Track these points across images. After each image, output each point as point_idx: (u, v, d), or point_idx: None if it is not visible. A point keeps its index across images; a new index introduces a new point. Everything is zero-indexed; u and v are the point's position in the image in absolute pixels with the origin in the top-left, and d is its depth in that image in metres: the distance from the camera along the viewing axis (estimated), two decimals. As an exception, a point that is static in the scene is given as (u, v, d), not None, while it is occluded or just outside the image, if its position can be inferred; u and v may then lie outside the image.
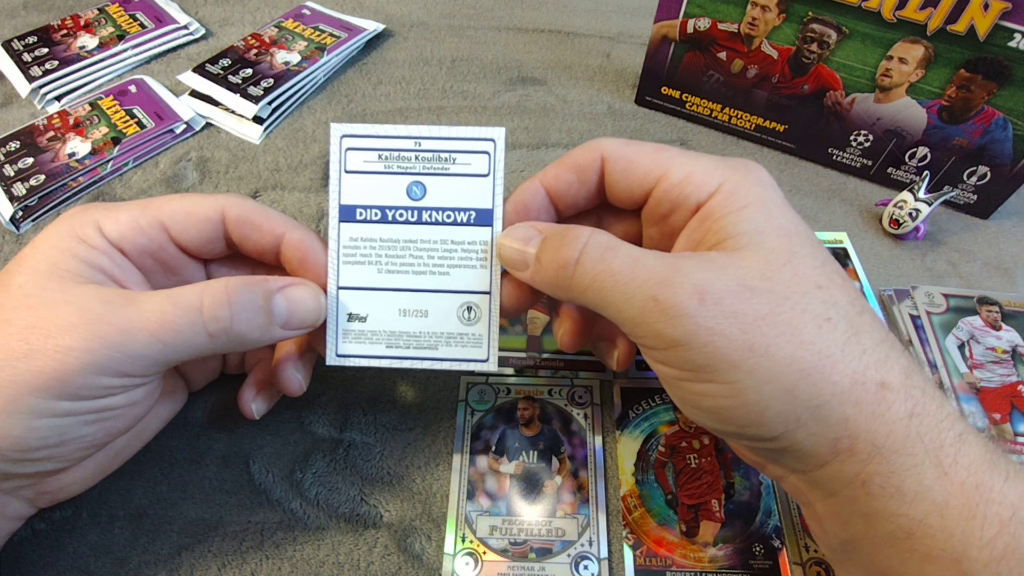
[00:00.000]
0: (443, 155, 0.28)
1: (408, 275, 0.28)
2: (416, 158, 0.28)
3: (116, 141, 0.46)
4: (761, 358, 0.21)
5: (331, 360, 0.29)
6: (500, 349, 0.37)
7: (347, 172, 0.28)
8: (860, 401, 0.21)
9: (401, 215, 0.28)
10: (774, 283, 0.21)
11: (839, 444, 0.21)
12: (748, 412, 0.21)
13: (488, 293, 0.28)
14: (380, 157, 0.28)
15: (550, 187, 0.27)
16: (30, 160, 0.45)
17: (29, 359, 0.22)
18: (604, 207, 0.29)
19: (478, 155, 0.28)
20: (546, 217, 0.28)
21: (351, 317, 0.28)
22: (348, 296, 0.28)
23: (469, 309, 0.28)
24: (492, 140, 0.28)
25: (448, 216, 0.28)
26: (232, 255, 0.30)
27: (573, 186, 0.27)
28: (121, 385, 0.24)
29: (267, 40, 0.55)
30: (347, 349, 0.29)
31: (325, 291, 0.28)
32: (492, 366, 0.29)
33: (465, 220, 0.28)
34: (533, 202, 0.27)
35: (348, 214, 0.28)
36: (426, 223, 0.28)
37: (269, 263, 0.29)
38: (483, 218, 0.28)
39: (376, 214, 0.28)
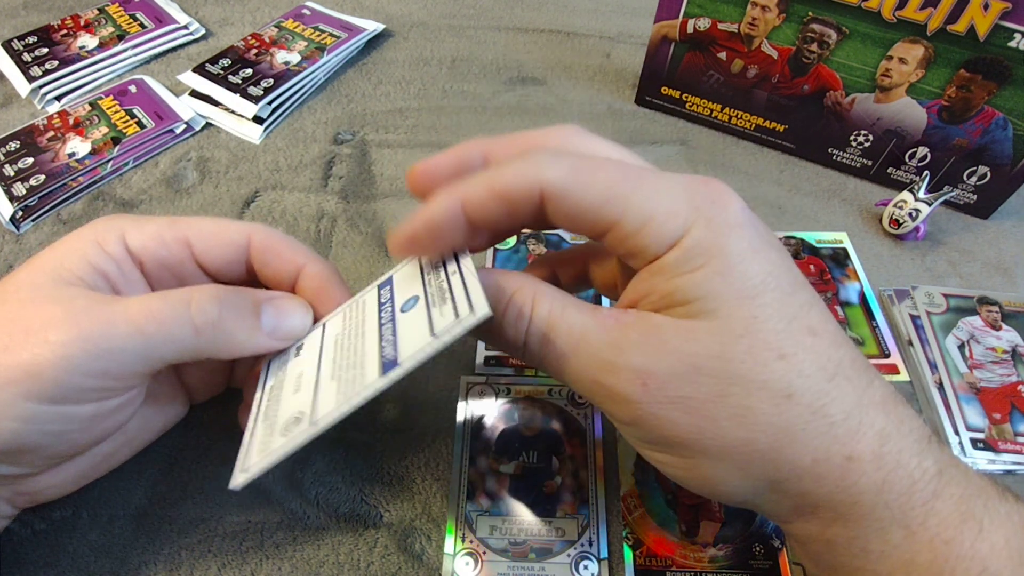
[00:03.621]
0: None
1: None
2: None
3: (116, 141, 0.46)
4: (711, 440, 0.20)
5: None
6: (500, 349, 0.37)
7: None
8: (823, 476, 0.20)
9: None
10: (726, 361, 0.20)
11: (801, 510, 0.21)
12: (706, 483, 0.21)
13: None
14: None
15: (473, 215, 0.22)
16: (30, 160, 0.45)
17: (7, 351, 0.21)
18: None
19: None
20: (461, 240, 0.23)
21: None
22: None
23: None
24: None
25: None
26: (248, 282, 0.29)
27: (502, 221, 0.22)
28: (96, 388, 0.23)
29: (267, 40, 0.55)
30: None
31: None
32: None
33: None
34: (446, 229, 0.22)
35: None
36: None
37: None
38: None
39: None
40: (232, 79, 0.51)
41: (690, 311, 0.20)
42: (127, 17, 0.56)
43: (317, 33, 0.56)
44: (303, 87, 0.52)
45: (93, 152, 0.46)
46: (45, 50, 0.53)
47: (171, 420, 0.31)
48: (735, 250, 0.20)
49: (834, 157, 0.48)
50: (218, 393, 0.33)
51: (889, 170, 0.46)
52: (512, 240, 0.42)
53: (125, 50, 0.54)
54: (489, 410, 0.34)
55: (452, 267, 0.23)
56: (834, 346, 0.20)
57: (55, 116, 0.48)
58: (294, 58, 0.53)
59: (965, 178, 0.44)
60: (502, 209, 0.22)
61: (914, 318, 0.38)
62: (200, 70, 0.51)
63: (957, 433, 0.33)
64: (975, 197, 0.45)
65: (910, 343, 0.37)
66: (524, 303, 0.22)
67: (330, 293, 0.28)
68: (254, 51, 0.53)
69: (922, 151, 0.44)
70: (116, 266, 0.26)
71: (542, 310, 0.22)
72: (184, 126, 0.48)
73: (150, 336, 0.23)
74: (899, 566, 0.20)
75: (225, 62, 0.52)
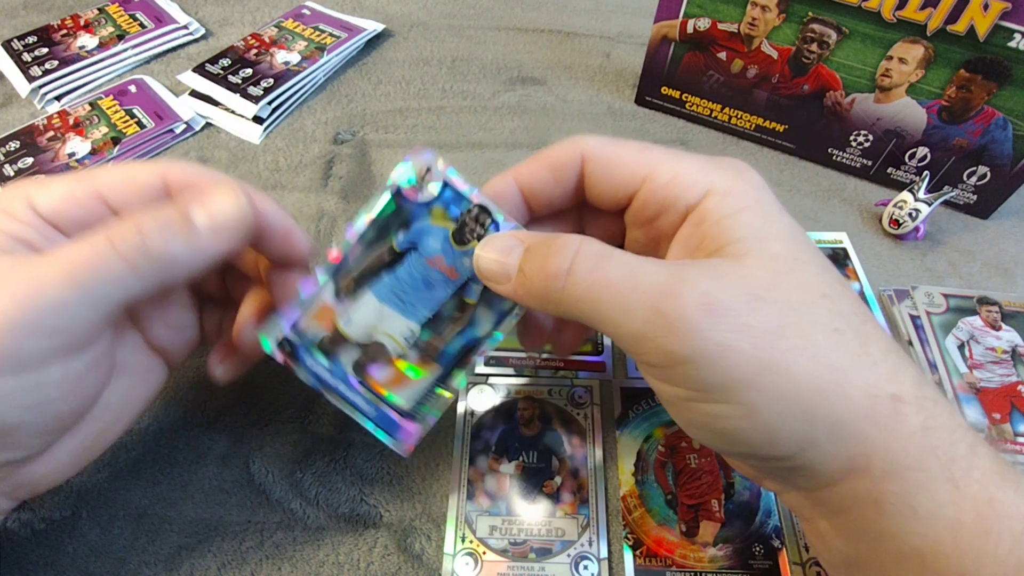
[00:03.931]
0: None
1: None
2: None
3: (116, 141, 0.46)
4: (776, 375, 0.19)
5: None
6: (500, 349, 0.37)
7: None
8: (875, 416, 0.20)
9: None
10: (782, 292, 0.20)
11: (853, 463, 0.20)
12: (762, 433, 0.20)
13: None
14: None
15: (524, 185, 0.26)
16: (30, 160, 0.45)
17: None
18: (584, 206, 0.27)
19: None
20: (518, 216, 0.26)
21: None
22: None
23: None
24: None
25: None
26: None
27: (548, 185, 0.26)
28: (52, 348, 0.22)
29: (267, 40, 0.55)
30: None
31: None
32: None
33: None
34: (504, 198, 0.26)
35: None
36: None
37: None
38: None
39: None
40: (232, 79, 0.51)
41: (739, 249, 0.21)
42: (127, 17, 0.56)
43: (317, 33, 0.56)
44: (303, 87, 0.52)
45: (93, 152, 0.46)
46: (45, 50, 0.53)
47: (152, 388, 0.29)
48: (767, 201, 0.23)
49: (834, 157, 0.48)
50: (193, 350, 0.31)
51: (889, 170, 0.46)
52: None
53: (125, 50, 0.54)
54: (489, 410, 0.34)
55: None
56: (858, 300, 0.22)
57: (55, 116, 0.48)
58: (294, 58, 0.53)
59: (965, 178, 0.44)
60: (549, 175, 0.25)
61: (914, 318, 0.38)
62: (200, 70, 0.51)
63: (957, 433, 0.34)
64: (975, 197, 0.45)
65: (910, 343, 0.37)
66: (573, 239, 0.22)
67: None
68: (254, 51, 0.53)
69: (922, 151, 0.44)
70: (34, 231, 0.24)
71: (594, 244, 0.22)
72: (184, 126, 0.48)
73: (84, 283, 0.21)
74: (946, 527, 0.19)
75: (225, 62, 0.52)
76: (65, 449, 0.26)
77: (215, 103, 0.50)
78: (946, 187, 0.44)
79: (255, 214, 0.25)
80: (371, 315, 0.26)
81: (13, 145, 0.46)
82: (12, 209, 0.24)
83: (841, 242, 0.43)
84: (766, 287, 0.20)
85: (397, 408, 0.26)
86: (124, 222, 0.23)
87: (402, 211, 0.25)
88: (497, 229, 0.26)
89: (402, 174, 0.25)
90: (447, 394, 0.26)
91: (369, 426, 0.27)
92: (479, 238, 0.25)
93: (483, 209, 0.26)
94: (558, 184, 0.26)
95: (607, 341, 0.37)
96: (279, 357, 0.26)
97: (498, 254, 0.24)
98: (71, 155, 0.45)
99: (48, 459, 0.25)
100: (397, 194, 0.25)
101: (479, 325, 0.26)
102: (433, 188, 0.25)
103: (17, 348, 0.21)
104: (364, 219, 0.25)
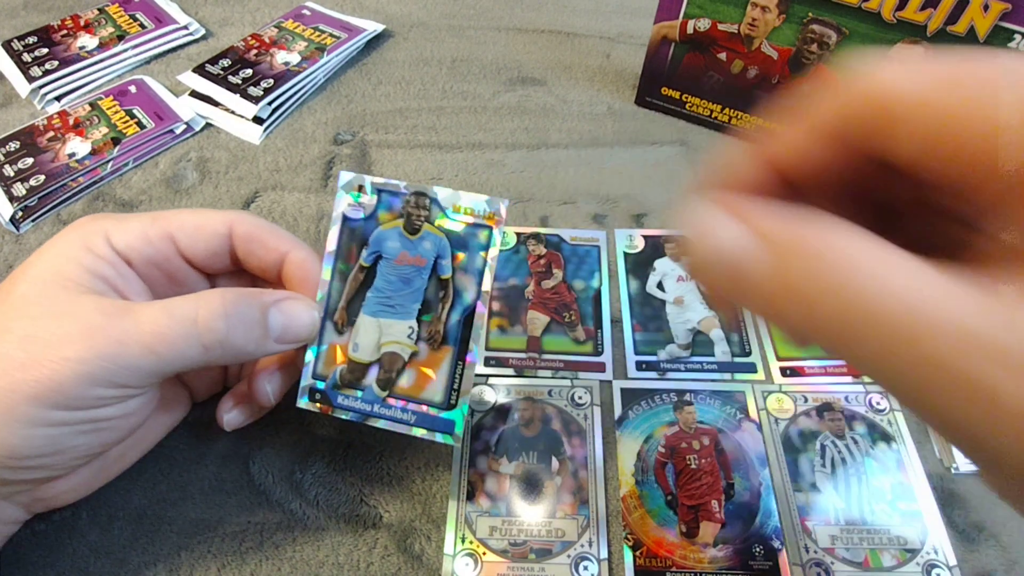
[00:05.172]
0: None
1: None
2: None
3: (116, 141, 0.46)
4: None
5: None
6: (500, 349, 0.37)
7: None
8: None
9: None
10: None
11: None
12: None
13: None
14: None
15: (785, 164, 0.16)
16: (30, 160, 0.45)
17: (26, 369, 0.22)
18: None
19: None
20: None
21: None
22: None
23: None
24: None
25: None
26: (237, 271, 0.30)
27: (817, 169, 0.16)
28: (115, 396, 0.24)
29: (267, 40, 0.55)
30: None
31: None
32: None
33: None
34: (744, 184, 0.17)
35: None
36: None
37: (270, 280, 0.30)
38: None
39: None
40: (232, 79, 0.51)
41: None
42: (127, 17, 0.56)
43: (317, 33, 0.56)
44: (303, 87, 0.52)
45: (93, 152, 0.46)
46: (45, 50, 0.53)
47: (175, 420, 0.32)
48: None
49: (834, 158, 0.48)
50: (217, 391, 0.33)
51: (889, 171, 0.46)
52: (512, 240, 0.42)
53: (125, 50, 0.54)
54: (489, 410, 0.34)
55: None
56: None
57: (55, 116, 0.48)
58: (294, 58, 0.53)
59: (965, 179, 0.44)
60: (823, 150, 0.15)
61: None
62: (200, 70, 0.51)
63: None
64: (975, 198, 0.44)
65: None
66: (836, 228, 0.13)
67: (315, 280, 0.28)
68: (254, 51, 0.53)
69: (922, 152, 0.44)
70: (111, 267, 0.26)
71: (863, 238, 0.13)
72: (184, 126, 0.48)
73: (161, 356, 0.24)
74: None
75: (225, 62, 0.52)
76: (86, 470, 0.28)
77: (215, 103, 0.50)
78: (946, 188, 0.44)
79: (318, 326, 0.28)
80: (372, 332, 0.28)
81: (13, 145, 0.46)
82: (92, 244, 0.26)
83: (841, 242, 0.43)
84: None
85: (433, 404, 0.28)
86: (213, 305, 0.25)
87: (355, 232, 0.28)
88: (438, 204, 0.28)
89: (343, 201, 0.28)
90: (466, 363, 0.28)
91: (415, 432, 0.28)
92: (428, 220, 0.28)
93: (418, 193, 0.28)
94: (836, 159, 0.15)
95: (607, 341, 0.37)
96: (314, 408, 0.29)
97: (731, 236, 0.14)
98: (71, 155, 0.45)
99: (70, 479, 0.27)
100: (344, 221, 0.28)
101: (465, 292, 0.28)
102: (370, 199, 0.28)
103: (83, 393, 0.23)
104: (327, 257, 0.28)
